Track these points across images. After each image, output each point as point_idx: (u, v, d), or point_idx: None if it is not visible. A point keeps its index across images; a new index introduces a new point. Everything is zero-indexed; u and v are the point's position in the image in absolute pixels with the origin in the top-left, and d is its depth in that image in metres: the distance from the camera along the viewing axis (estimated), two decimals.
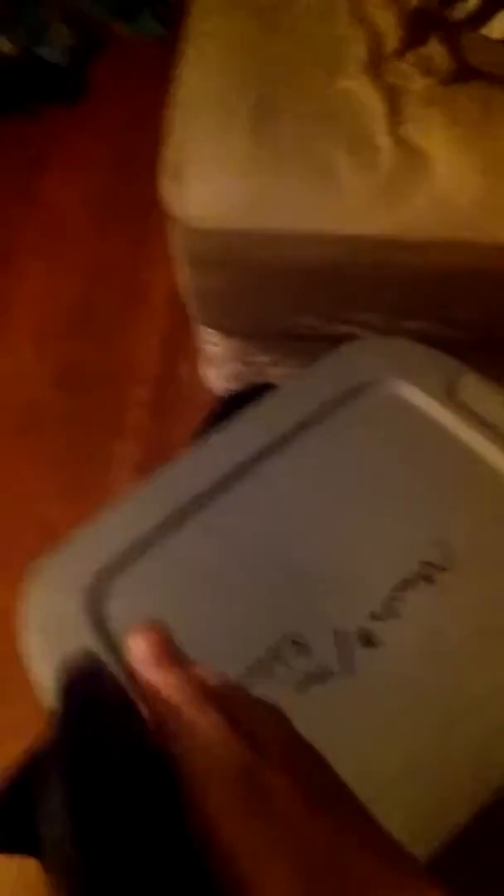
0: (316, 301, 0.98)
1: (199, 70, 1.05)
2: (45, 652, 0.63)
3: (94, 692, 0.34)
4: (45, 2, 1.98)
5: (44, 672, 0.62)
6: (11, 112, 1.77)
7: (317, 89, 0.96)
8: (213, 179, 0.89)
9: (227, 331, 1.11)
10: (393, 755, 0.58)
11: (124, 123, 1.76)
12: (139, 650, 0.37)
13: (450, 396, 0.77)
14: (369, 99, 0.92)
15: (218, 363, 1.21)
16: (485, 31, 0.98)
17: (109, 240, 1.54)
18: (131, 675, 0.36)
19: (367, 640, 0.63)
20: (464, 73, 0.95)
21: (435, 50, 0.98)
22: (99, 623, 0.64)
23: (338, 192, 0.86)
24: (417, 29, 1.01)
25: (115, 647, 0.63)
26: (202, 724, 0.32)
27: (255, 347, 1.13)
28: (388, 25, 1.02)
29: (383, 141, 0.89)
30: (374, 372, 0.81)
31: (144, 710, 0.34)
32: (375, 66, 0.98)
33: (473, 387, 0.77)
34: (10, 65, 1.89)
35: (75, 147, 1.72)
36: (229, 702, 0.34)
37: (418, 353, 0.83)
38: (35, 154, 1.70)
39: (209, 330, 1.14)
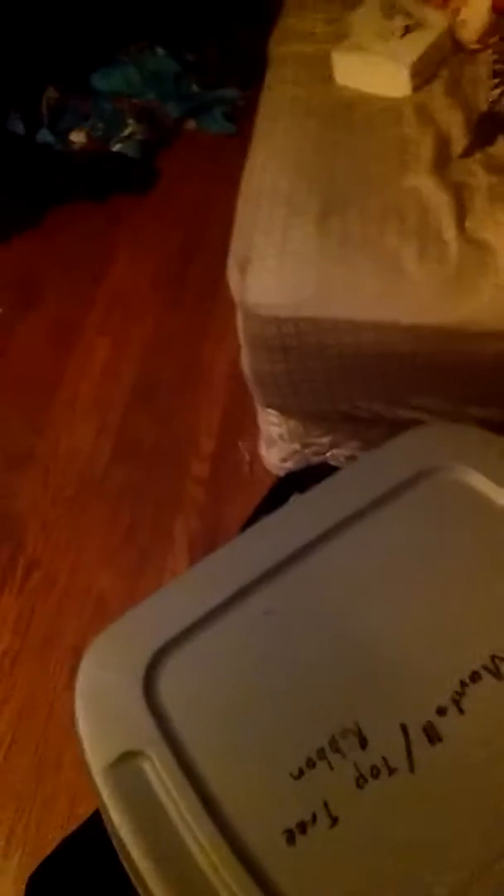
0: (376, 387, 0.99)
1: (269, 165, 1.10)
2: (98, 734, 0.63)
3: None
4: (120, 99, 2.12)
5: (95, 753, 0.61)
6: (85, 200, 1.87)
7: (384, 186, 1.00)
8: (281, 269, 0.92)
9: (286, 412, 1.12)
10: (454, 855, 0.55)
11: (191, 212, 1.85)
12: None
13: None
14: (436, 195, 0.95)
15: (277, 443, 1.22)
16: None
17: (173, 321, 1.59)
18: None
19: (432, 736, 0.61)
20: None
21: (501, 149, 1.01)
22: (152, 705, 0.63)
23: (404, 283, 0.88)
24: (486, 130, 1.04)
25: (166, 730, 0.62)
26: None
27: (315, 429, 1.14)
28: (456, 127, 1.07)
29: (450, 235, 0.91)
30: (438, 458, 0.80)
31: None
32: (442, 165, 1.02)
33: None
34: (86, 156, 2.02)
35: (144, 233, 1.81)
36: None
37: (483, 439, 0.83)
38: (106, 239, 1.79)
39: (269, 410, 1.16)
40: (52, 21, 1.99)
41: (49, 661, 1.08)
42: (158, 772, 0.59)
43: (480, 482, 0.78)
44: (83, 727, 0.63)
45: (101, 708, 0.64)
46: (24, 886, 0.82)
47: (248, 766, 0.60)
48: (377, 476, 0.81)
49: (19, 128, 2.01)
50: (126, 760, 0.60)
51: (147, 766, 0.60)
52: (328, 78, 1.20)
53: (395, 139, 1.08)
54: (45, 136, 2.01)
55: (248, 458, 1.31)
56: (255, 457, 1.29)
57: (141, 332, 1.57)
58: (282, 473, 1.25)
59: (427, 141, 1.06)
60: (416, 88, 1.15)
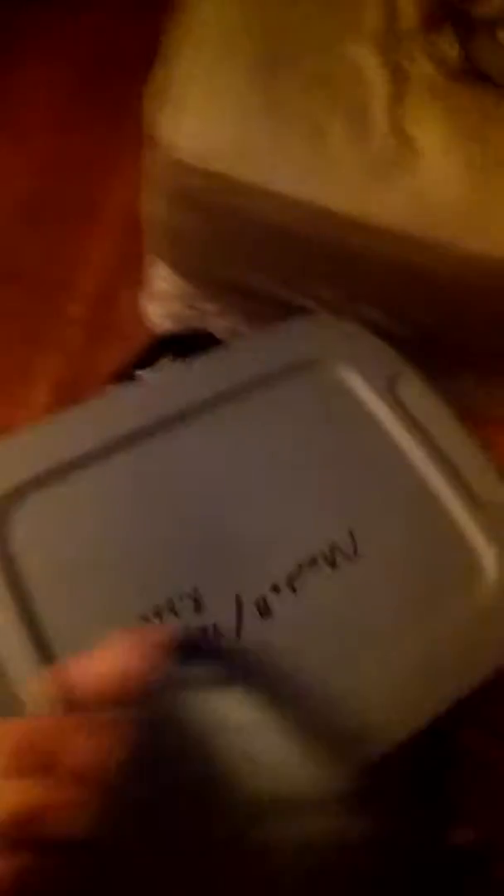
0: (277, 263, 0.97)
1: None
2: None
3: None
4: None
5: None
6: None
7: (324, 47, 0.94)
8: (203, 116, 0.86)
9: (180, 270, 1.08)
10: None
11: (113, 17, 1.65)
12: None
13: (389, 390, 0.78)
14: (373, 72, 0.91)
15: (162, 300, 1.18)
16: (501, 36, 0.98)
17: (74, 141, 1.46)
18: None
19: (262, 611, 0.65)
20: (471, 73, 0.95)
21: (448, 41, 0.97)
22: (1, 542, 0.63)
23: (326, 160, 0.85)
24: (436, 13, 0.99)
25: (10, 569, 0.62)
26: None
27: (204, 294, 1.11)
28: (408, 1, 1.00)
29: (379, 119, 0.88)
30: (320, 351, 0.82)
31: None
32: (386, 38, 0.96)
33: (413, 385, 0.79)
34: None
35: (58, 28, 1.60)
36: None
37: (367, 341, 0.85)
38: (12, 26, 1.58)
39: (162, 264, 1.11)
40: None
41: None
42: None
43: (356, 382, 0.81)
44: None
45: None
46: None
47: (84, 610, 0.62)
48: (255, 359, 0.82)
49: None
50: None
51: None
52: None
53: None
54: None
55: (128, 306, 1.26)
56: (135, 308, 1.24)
57: (37, 145, 1.43)
58: (160, 331, 1.22)
59: (374, 8, 0.99)
60: None
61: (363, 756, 0.57)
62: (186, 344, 1.22)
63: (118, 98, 1.52)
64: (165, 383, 0.81)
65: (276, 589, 0.66)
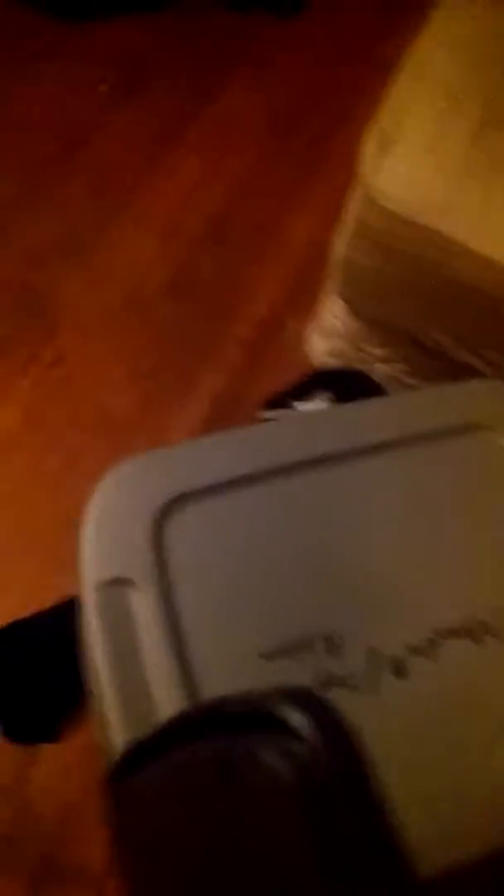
0: (460, 322, 0.96)
1: (443, 46, 1.01)
2: (100, 549, 0.64)
3: None
4: None
5: (92, 566, 0.63)
6: (224, 4, 1.72)
7: None
8: (422, 167, 0.86)
9: (357, 311, 1.09)
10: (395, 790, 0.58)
11: (329, 57, 1.70)
12: None
13: None
14: None
15: (329, 336, 1.19)
16: None
17: (271, 168, 1.50)
18: None
19: (398, 670, 0.63)
20: None
21: None
22: (157, 545, 0.65)
23: None
24: None
25: (162, 572, 0.64)
26: None
27: (376, 337, 1.12)
28: None
29: None
30: (491, 418, 0.80)
31: None
32: None
33: None
34: None
35: (273, 60, 1.67)
36: None
37: None
38: (232, 54, 1.65)
39: (337, 301, 1.12)
40: None
41: (46, 456, 1.10)
42: (144, 608, 0.61)
43: None
44: (88, 539, 0.64)
45: (110, 527, 0.65)
46: None
47: (228, 630, 0.63)
48: (427, 413, 0.81)
49: None
50: (118, 585, 0.62)
51: (135, 598, 0.62)
52: None
53: None
54: None
55: (295, 338, 1.28)
56: (302, 340, 1.26)
57: (234, 167, 1.48)
58: (320, 364, 1.23)
59: None
60: None
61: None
62: (344, 382, 1.23)
63: (316, 135, 1.57)
64: (328, 420, 0.81)
65: (415, 651, 0.64)
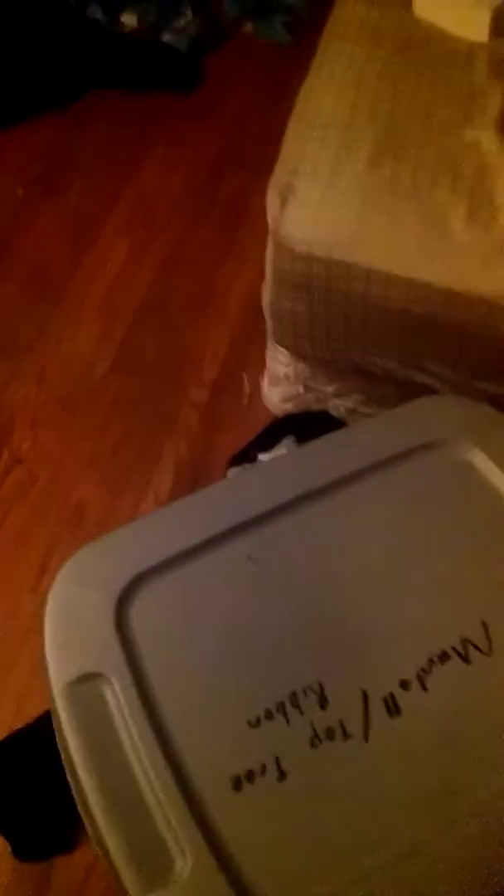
0: (399, 344, 0.97)
1: (328, 90, 1.04)
2: (63, 649, 0.62)
3: None
4: None
5: (58, 668, 0.61)
6: (125, 88, 1.78)
7: (444, 135, 0.95)
8: (323, 206, 0.88)
9: (299, 354, 1.09)
10: (393, 834, 0.55)
11: (233, 121, 1.75)
12: None
13: None
14: (497, 157, 0.90)
15: (281, 382, 1.19)
16: None
17: (196, 235, 1.53)
18: None
19: (391, 708, 0.61)
20: None
21: None
22: (122, 629, 0.63)
23: (446, 243, 0.84)
24: None
25: (131, 657, 0.62)
26: None
27: (323, 375, 1.12)
28: None
29: (502, 201, 0.87)
30: (444, 431, 0.79)
31: None
32: None
33: None
34: (134, 42, 1.90)
35: (181, 134, 1.72)
36: None
37: (492, 418, 0.81)
38: (141, 134, 1.70)
39: (280, 348, 1.13)
40: None
41: (19, 561, 1.08)
42: (118, 698, 0.59)
43: (483, 462, 0.77)
44: (50, 639, 0.63)
45: (70, 623, 0.64)
46: None
47: (207, 706, 0.60)
48: (381, 440, 0.80)
49: None
50: (87, 681, 0.60)
51: (107, 691, 0.60)
52: (405, 4, 1.13)
53: (464, 86, 1.02)
54: (95, 11, 1.88)
55: (248, 391, 1.28)
56: (256, 391, 1.26)
57: (161, 241, 1.51)
58: (280, 413, 1.23)
59: (497, 95, 1.00)
60: (496, 36, 1.08)
61: None
62: (306, 425, 1.22)
63: (237, 195, 1.61)
64: (285, 466, 0.80)
65: (405, 685, 0.62)
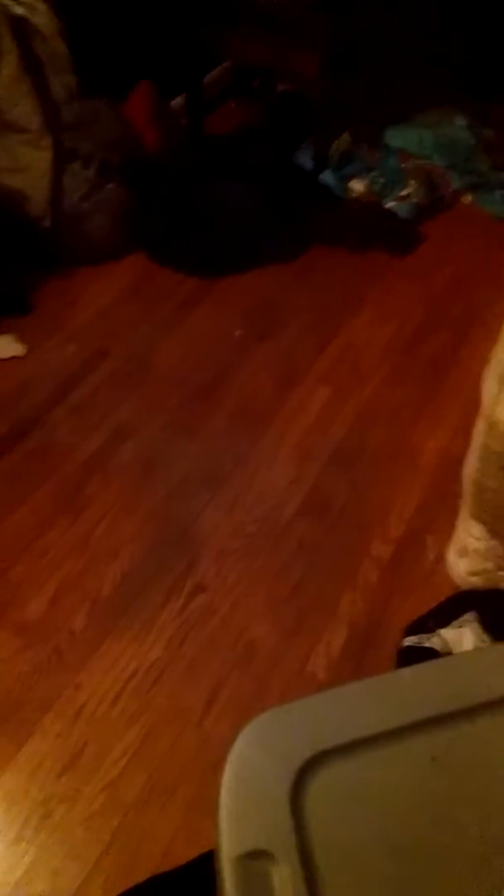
0: None
1: None
2: (238, 819, 0.62)
3: None
4: (406, 158, 2.14)
5: (231, 838, 0.61)
6: (347, 248, 1.90)
7: None
8: None
9: (495, 531, 1.07)
10: None
11: (443, 287, 1.82)
12: None
13: None
14: None
15: (469, 555, 1.17)
16: None
17: (394, 390, 1.58)
18: None
19: None
20: None
21: None
22: (297, 809, 0.62)
23: None
24: None
25: (303, 840, 0.60)
26: None
27: None
28: None
29: None
30: None
31: None
32: None
33: None
34: (360, 206, 2.05)
35: (392, 295, 1.80)
36: None
37: None
38: (355, 291, 1.81)
39: (475, 522, 1.11)
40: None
41: (188, 690, 1.10)
42: (284, 881, 0.57)
43: None
44: (226, 806, 0.62)
45: (248, 790, 0.63)
46: None
47: None
48: None
49: (308, 163, 2.09)
50: (257, 858, 0.59)
51: (275, 872, 0.58)
52: None
53: None
54: (328, 177, 2.07)
55: (432, 557, 1.27)
56: (441, 558, 1.24)
57: (361, 393, 1.57)
58: (465, 585, 1.20)
59: None
60: None
61: None
62: (489, 604, 1.18)
63: (438, 358, 1.64)
64: (485, 664, 0.77)
65: None
